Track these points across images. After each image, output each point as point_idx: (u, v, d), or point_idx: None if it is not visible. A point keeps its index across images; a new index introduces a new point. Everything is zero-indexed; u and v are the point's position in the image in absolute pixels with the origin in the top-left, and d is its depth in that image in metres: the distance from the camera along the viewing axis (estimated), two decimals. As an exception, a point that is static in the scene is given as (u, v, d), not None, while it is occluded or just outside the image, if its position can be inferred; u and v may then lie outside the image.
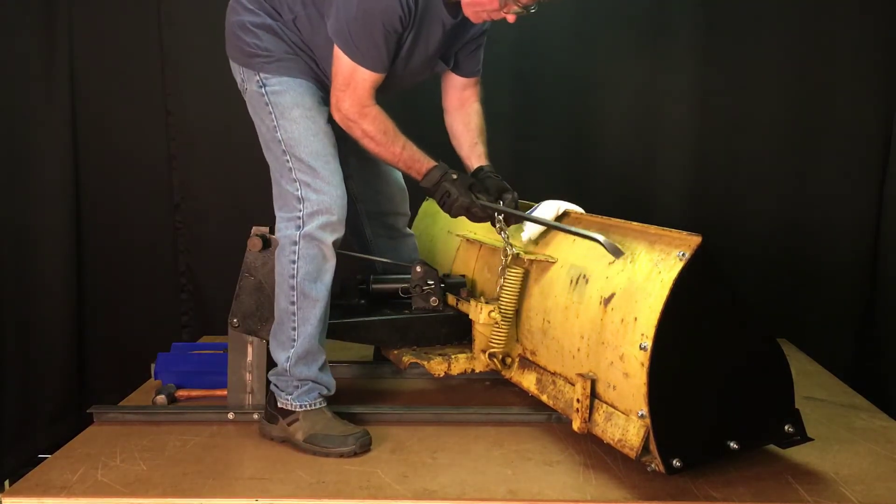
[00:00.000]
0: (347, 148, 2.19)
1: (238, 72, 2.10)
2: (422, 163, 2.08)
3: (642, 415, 1.69)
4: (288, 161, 2.01)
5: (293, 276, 2.01)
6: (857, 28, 2.98)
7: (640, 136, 3.15)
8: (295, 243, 2.00)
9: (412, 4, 1.91)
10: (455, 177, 2.09)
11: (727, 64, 3.06)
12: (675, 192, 3.14)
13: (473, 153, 2.29)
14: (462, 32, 2.13)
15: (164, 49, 3.09)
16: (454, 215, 2.12)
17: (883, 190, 3.02)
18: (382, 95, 2.26)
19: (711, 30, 3.04)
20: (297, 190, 2.00)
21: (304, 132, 2.02)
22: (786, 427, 1.79)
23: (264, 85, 2.03)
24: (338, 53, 1.97)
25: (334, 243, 2.03)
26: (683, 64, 3.08)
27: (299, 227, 2.00)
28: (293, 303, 2.02)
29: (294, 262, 2.01)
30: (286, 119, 2.02)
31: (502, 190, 2.17)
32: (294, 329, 2.03)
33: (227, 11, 2.12)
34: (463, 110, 2.31)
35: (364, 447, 1.95)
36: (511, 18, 1.96)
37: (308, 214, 1.99)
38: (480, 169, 2.25)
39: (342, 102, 2.01)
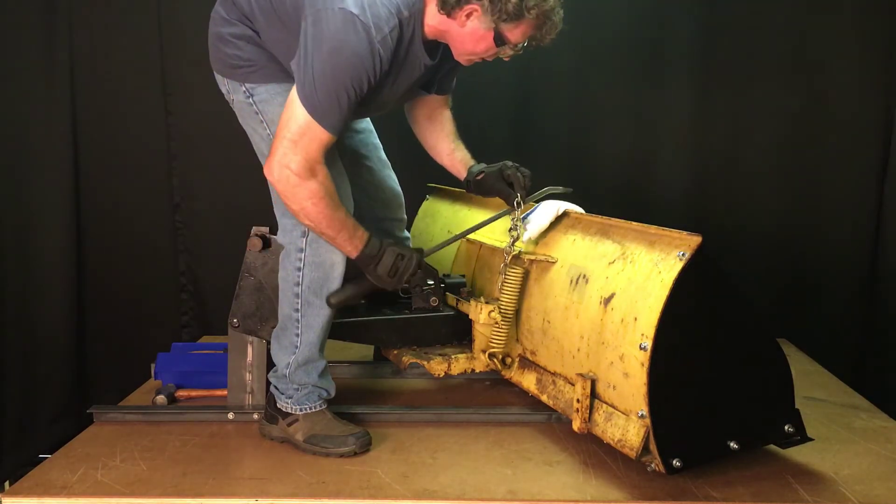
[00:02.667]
0: (341, 150, 2.17)
1: (223, 83, 2.05)
2: (363, 230, 1.94)
3: (642, 415, 1.69)
4: None
5: (298, 284, 1.99)
6: (856, 29, 2.98)
7: (640, 136, 3.15)
8: (301, 250, 1.97)
9: (385, 64, 1.81)
10: (392, 241, 2.05)
11: (727, 64, 3.06)
12: (676, 192, 3.14)
13: (455, 160, 2.27)
14: (444, 65, 2.06)
15: (163, 49, 3.09)
16: (408, 281, 2.04)
17: (883, 190, 3.02)
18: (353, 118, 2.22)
19: (712, 31, 3.05)
20: None
21: None
22: (786, 427, 1.79)
23: (251, 95, 1.97)
24: (293, 100, 1.79)
25: None
26: (684, 63, 3.08)
27: (305, 233, 1.96)
28: (297, 310, 2.00)
29: (300, 269, 1.98)
30: (278, 126, 1.96)
31: (506, 178, 2.14)
32: (297, 336, 2.01)
33: (210, 23, 2.06)
34: (435, 120, 2.27)
35: (364, 447, 1.95)
36: (506, 57, 1.92)
37: None
38: (470, 172, 2.23)
39: (290, 157, 1.78)
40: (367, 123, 2.41)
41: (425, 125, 2.28)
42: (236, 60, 1.98)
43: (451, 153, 2.27)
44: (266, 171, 1.85)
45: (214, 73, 2.07)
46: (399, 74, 1.93)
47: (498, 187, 2.17)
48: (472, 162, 2.25)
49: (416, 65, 1.94)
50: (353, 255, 1.94)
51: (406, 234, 2.55)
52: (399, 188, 2.46)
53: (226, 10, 2.01)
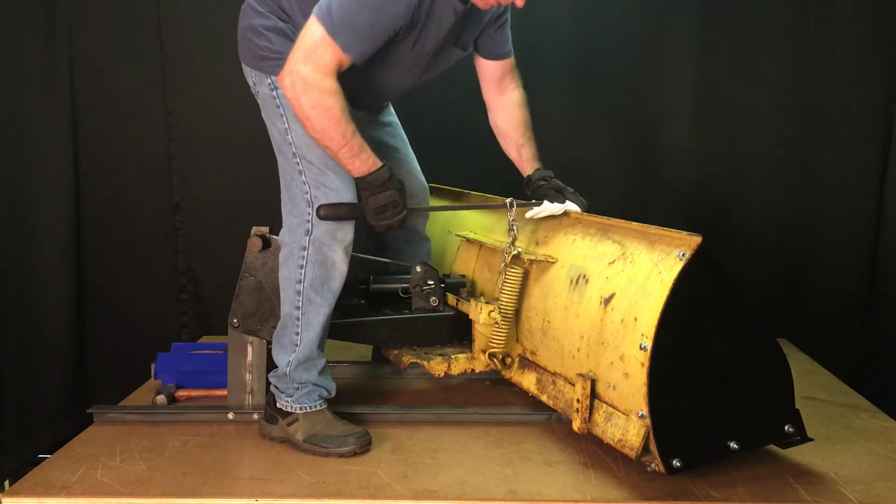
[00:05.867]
0: (369, 142, 2.17)
1: (250, 75, 2.07)
2: (370, 154, 1.93)
3: (642, 415, 1.69)
4: (298, 164, 1.99)
5: (300, 282, 2.00)
6: (857, 28, 2.98)
7: (640, 136, 3.15)
8: (304, 248, 1.99)
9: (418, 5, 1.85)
10: (400, 185, 1.99)
11: (728, 64, 3.06)
12: (675, 192, 3.14)
13: (522, 158, 2.27)
14: (477, 18, 2.07)
15: (164, 49, 3.09)
16: (385, 229, 1.99)
17: (883, 190, 3.02)
18: (402, 90, 2.19)
19: (712, 30, 3.05)
20: (307, 192, 1.98)
21: None
22: (786, 427, 1.79)
23: (275, 88, 1.98)
24: (311, 18, 1.84)
25: (345, 249, 2.00)
26: (684, 64, 3.08)
27: (308, 231, 1.98)
28: (298, 307, 2.01)
29: (302, 266, 1.99)
30: (297, 122, 1.96)
31: (559, 198, 2.16)
32: (297, 334, 2.02)
33: (239, 16, 2.08)
34: (503, 102, 2.28)
35: (364, 447, 1.96)
36: (520, 2, 1.91)
37: (317, 218, 1.98)
38: (530, 179, 2.24)
39: (301, 66, 1.82)
40: (393, 116, 2.43)
41: (496, 108, 2.29)
42: (265, 52, 2.00)
43: (519, 149, 2.28)
44: (279, 80, 1.88)
45: (242, 64, 2.09)
46: (432, 18, 1.93)
47: (551, 198, 2.18)
48: (538, 164, 2.26)
49: (448, 9, 1.94)
50: (355, 174, 1.94)
51: (427, 234, 2.54)
52: (425, 182, 2.47)
53: (258, 2, 2.03)
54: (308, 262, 1.99)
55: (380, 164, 1.96)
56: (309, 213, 1.98)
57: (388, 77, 2.08)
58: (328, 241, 1.98)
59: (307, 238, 1.98)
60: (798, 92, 3.04)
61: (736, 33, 3.04)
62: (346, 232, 1.99)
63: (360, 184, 1.95)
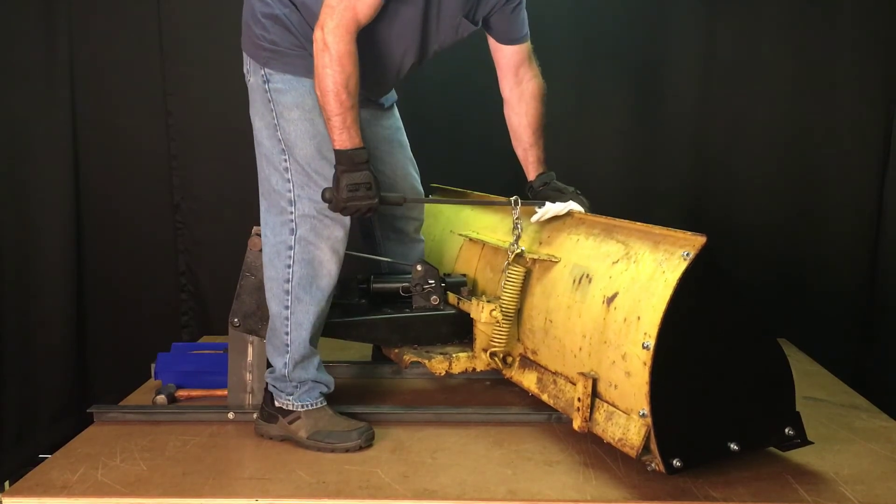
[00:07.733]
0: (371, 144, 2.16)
1: (246, 62, 2.05)
2: (358, 134, 1.91)
3: (643, 414, 1.69)
4: (285, 160, 1.98)
5: (288, 281, 1.99)
6: (857, 28, 2.98)
7: (641, 138, 3.15)
8: (290, 247, 1.98)
9: None
10: (375, 174, 1.94)
11: (727, 64, 3.07)
12: (676, 192, 3.15)
13: (528, 161, 2.26)
14: None
15: (164, 49, 3.09)
16: (353, 212, 1.94)
17: (883, 190, 3.02)
18: (407, 60, 2.14)
19: (712, 31, 3.05)
20: (290, 191, 1.98)
21: (302, 134, 1.97)
22: (786, 430, 1.79)
23: (268, 80, 1.98)
24: None
25: (332, 247, 2.00)
26: (683, 64, 3.09)
27: (293, 230, 1.98)
28: (287, 307, 2.00)
29: (289, 266, 1.99)
30: (285, 119, 1.97)
31: (562, 197, 2.15)
32: (287, 334, 2.01)
33: (244, 2, 2.07)
34: (519, 93, 2.23)
35: (369, 441, 1.97)
36: None
37: (300, 216, 1.97)
38: (531, 186, 2.23)
39: (327, 21, 1.86)
40: (395, 120, 2.40)
41: (511, 101, 2.25)
42: (261, 41, 1.99)
43: (526, 149, 2.25)
44: (314, 34, 1.89)
45: (243, 52, 2.07)
46: None
47: (553, 199, 2.17)
48: (542, 168, 2.25)
49: None
50: (337, 146, 1.90)
51: (420, 236, 2.54)
52: (420, 188, 2.44)
53: None
54: (295, 262, 1.99)
55: (363, 145, 1.92)
56: (291, 213, 1.98)
57: (396, 45, 2.05)
58: (314, 240, 1.98)
59: (293, 237, 1.98)
60: (798, 92, 3.05)
61: (737, 34, 3.05)
62: (332, 229, 1.98)
63: (339, 158, 1.91)
